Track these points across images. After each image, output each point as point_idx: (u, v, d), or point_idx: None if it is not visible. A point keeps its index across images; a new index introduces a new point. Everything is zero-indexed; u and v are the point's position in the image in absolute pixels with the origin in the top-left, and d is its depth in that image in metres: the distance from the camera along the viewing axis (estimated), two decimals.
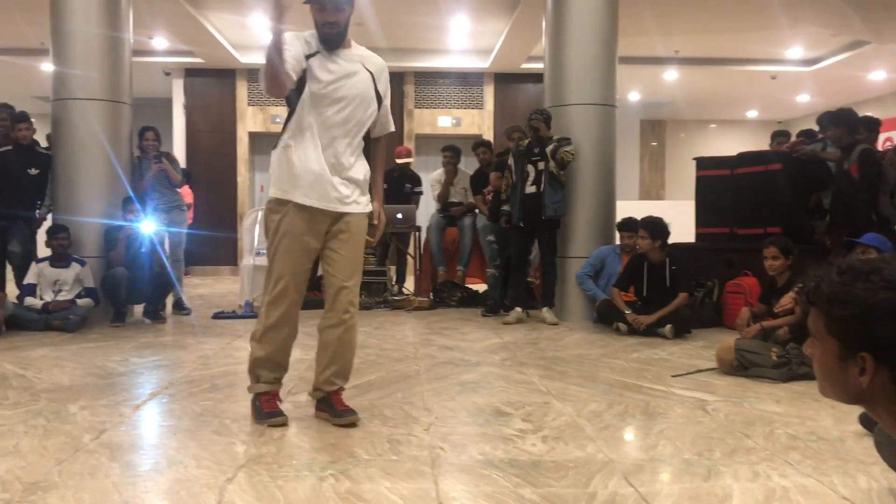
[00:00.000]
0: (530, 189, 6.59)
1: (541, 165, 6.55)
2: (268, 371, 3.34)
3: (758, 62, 12.18)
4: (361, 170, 3.33)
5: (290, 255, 3.23)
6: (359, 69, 3.27)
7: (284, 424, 3.23)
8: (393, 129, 3.56)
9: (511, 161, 6.82)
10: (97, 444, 2.96)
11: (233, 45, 11.28)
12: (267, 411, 3.28)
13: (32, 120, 6.79)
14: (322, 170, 3.18)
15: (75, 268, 6.37)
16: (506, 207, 6.82)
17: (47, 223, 6.71)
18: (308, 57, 3.18)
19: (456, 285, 8.14)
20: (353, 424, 3.23)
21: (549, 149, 6.47)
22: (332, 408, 3.31)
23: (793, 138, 7.96)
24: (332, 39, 3.22)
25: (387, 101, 3.44)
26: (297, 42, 3.16)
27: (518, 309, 6.65)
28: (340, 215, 3.26)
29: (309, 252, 3.27)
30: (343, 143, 3.24)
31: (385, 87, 3.40)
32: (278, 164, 3.25)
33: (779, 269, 5.02)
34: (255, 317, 6.69)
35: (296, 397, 3.76)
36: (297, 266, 3.25)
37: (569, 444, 2.99)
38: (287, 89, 3.12)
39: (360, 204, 3.32)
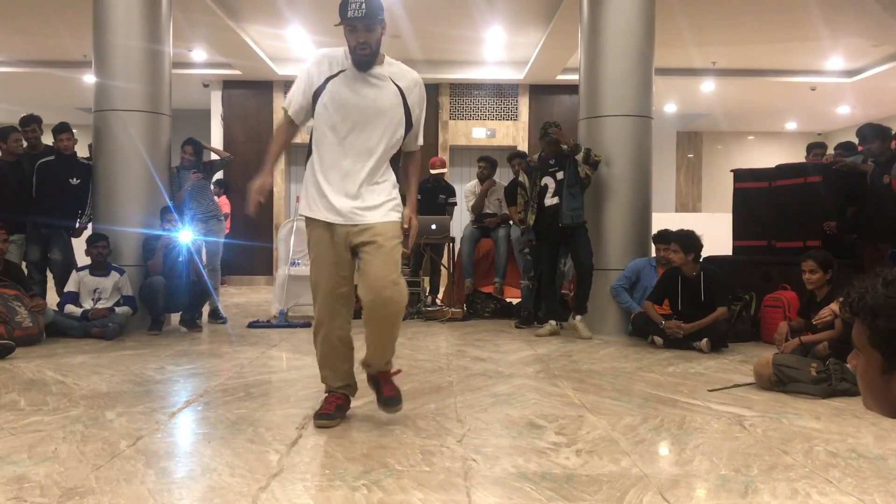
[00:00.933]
0: (551, 201, 6.57)
1: (559, 175, 6.53)
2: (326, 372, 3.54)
3: (797, 73, 12.03)
4: (385, 182, 3.38)
5: (321, 263, 3.38)
6: (384, 86, 3.32)
7: (328, 426, 3.35)
8: (420, 144, 3.57)
9: (524, 178, 6.83)
10: (133, 450, 3.00)
11: (270, 57, 11.41)
12: (320, 412, 3.44)
13: (74, 130, 6.93)
14: (337, 185, 3.30)
15: (114, 276, 6.47)
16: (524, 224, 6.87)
17: (88, 232, 6.83)
18: (329, 79, 3.30)
19: (489, 296, 8.12)
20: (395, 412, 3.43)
21: (580, 154, 6.44)
22: (379, 391, 3.47)
23: (829, 150, 7.83)
24: (364, 61, 3.29)
25: (417, 116, 3.45)
26: (311, 80, 3.35)
27: (552, 321, 6.62)
28: (363, 226, 3.30)
29: (340, 260, 3.36)
30: (361, 159, 3.30)
31: (417, 101, 3.42)
32: (305, 181, 3.43)
33: (817, 283, 4.94)
34: (290, 326, 6.82)
35: None
36: (329, 274, 3.36)
37: (603, 457, 2.96)
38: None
39: (381, 213, 3.32)
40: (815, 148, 7.99)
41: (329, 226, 3.33)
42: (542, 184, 6.63)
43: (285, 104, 3.42)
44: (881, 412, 1.43)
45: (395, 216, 3.38)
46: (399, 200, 3.42)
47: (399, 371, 3.60)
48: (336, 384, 3.51)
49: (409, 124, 3.40)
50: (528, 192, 6.76)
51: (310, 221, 3.39)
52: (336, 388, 3.51)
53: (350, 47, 3.28)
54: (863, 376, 1.42)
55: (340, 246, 3.33)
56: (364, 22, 3.20)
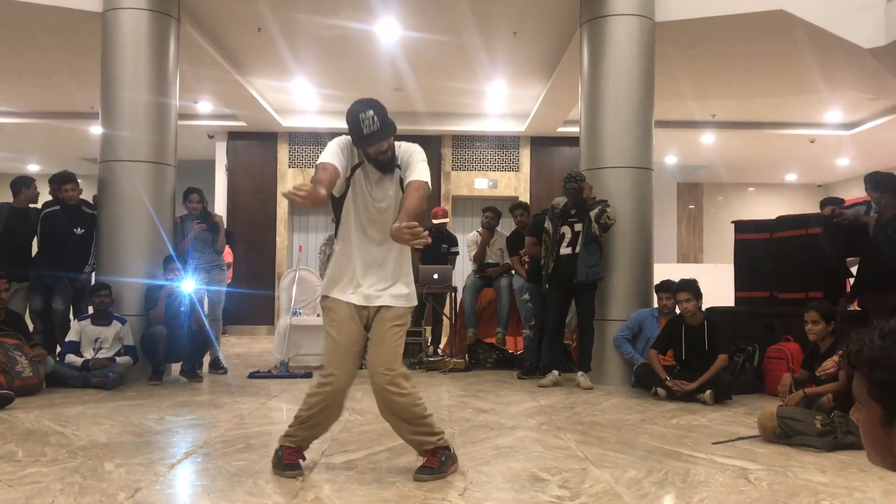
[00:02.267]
0: (565, 251, 6.57)
1: (577, 227, 6.54)
2: (303, 433, 3.51)
3: (796, 126, 12.14)
4: (401, 268, 3.50)
5: (339, 337, 3.42)
6: (393, 172, 3.43)
7: (297, 476, 3.38)
8: (420, 178, 3.36)
9: (548, 224, 6.83)
10: (131, 502, 2.97)
11: (275, 109, 11.56)
12: (286, 462, 3.44)
13: (79, 180, 6.97)
14: (358, 269, 3.43)
15: (116, 325, 6.46)
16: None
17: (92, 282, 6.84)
18: (354, 168, 3.40)
19: (492, 346, 8.09)
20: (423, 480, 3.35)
21: (594, 213, 6.46)
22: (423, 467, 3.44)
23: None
24: (387, 164, 3.39)
25: (415, 165, 3.37)
26: (344, 154, 3.35)
27: (554, 372, 6.58)
28: (375, 309, 3.44)
29: (352, 334, 3.43)
30: (381, 246, 3.43)
31: (414, 162, 3.38)
32: (329, 263, 3.58)
33: (819, 334, 4.91)
34: (291, 377, 6.77)
35: (329, 458, 3.75)
36: (343, 347, 3.40)
37: None
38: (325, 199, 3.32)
39: (395, 298, 3.45)
40: (829, 203, 7.77)
41: (349, 305, 3.42)
42: (561, 232, 6.64)
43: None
44: (884, 466, 1.41)
45: (401, 303, 3.47)
46: (413, 290, 3.53)
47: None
48: (299, 446, 3.49)
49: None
50: (550, 239, 6.76)
51: (331, 300, 3.47)
52: (292, 445, 3.49)
53: (370, 156, 3.36)
54: (864, 429, 1.41)
55: (359, 323, 3.44)
56: (380, 135, 3.28)
